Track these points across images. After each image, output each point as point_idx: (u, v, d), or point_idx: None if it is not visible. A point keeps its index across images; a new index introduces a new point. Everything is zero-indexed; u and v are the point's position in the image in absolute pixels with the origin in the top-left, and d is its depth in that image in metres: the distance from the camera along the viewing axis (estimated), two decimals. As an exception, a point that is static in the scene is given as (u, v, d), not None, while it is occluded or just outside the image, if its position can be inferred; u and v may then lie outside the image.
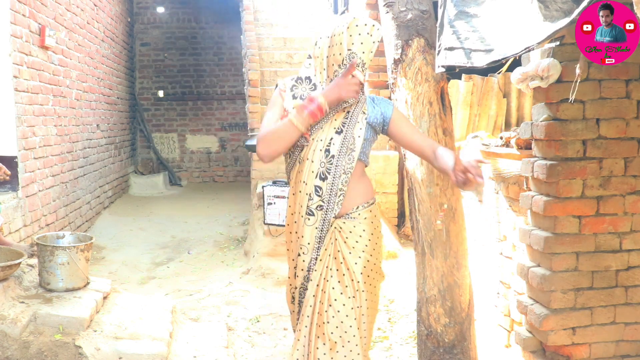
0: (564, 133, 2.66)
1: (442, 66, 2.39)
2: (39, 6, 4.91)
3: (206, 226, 7.00)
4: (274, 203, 4.94)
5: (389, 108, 2.22)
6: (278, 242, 5.04)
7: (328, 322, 2.11)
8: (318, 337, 2.11)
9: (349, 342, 2.11)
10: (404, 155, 2.83)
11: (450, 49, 2.31)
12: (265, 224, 5.06)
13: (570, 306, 2.74)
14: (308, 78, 2.18)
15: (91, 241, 3.38)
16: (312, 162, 2.14)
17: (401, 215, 5.94)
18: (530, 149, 2.96)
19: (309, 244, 2.19)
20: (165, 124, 10.42)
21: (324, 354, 2.09)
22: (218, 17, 10.27)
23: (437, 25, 2.43)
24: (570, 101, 2.48)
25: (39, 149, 4.91)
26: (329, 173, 2.13)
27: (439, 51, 2.40)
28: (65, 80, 5.72)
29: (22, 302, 3.00)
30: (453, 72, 2.46)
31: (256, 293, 4.48)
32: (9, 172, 3.53)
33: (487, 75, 4.78)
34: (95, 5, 7.16)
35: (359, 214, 2.19)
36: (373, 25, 2.09)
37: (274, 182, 5.08)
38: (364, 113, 2.17)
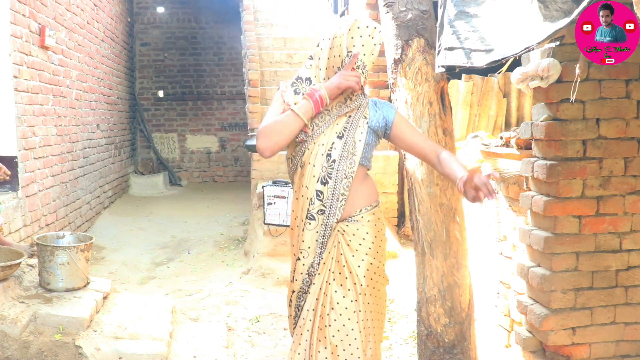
0: (564, 133, 2.66)
1: (442, 66, 2.39)
2: (39, 6, 4.91)
3: (206, 226, 7.00)
4: (274, 203, 4.94)
5: (391, 112, 2.21)
6: (278, 242, 5.04)
7: (330, 326, 2.10)
8: (319, 340, 2.11)
9: (350, 345, 2.10)
10: (404, 155, 2.83)
11: (450, 49, 2.31)
12: (265, 224, 5.06)
13: (570, 306, 2.74)
14: (308, 79, 2.17)
15: (91, 241, 3.38)
16: (314, 166, 2.13)
17: (401, 215, 5.94)
18: (530, 149, 2.96)
19: (309, 247, 2.18)
20: (165, 124, 10.42)
21: (325, 358, 2.09)
22: (218, 17, 10.27)
23: (437, 25, 2.43)
24: (571, 101, 2.48)
25: (39, 149, 4.91)
26: (330, 177, 2.12)
27: (439, 51, 2.40)
28: (65, 80, 5.72)
29: (22, 302, 3.01)
30: (453, 72, 2.46)
31: (256, 293, 4.48)
32: (9, 172, 3.53)
33: (487, 75, 4.78)
34: (95, 5, 7.16)
35: (362, 217, 2.18)
36: (375, 28, 2.09)
37: (274, 182, 5.09)
38: (366, 117, 2.16)
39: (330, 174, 2.12)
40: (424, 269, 2.75)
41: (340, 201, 2.14)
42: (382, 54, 2.59)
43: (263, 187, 5.06)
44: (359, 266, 2.14)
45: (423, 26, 2.68)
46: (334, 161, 2.12)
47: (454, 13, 2.31)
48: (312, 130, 2.13)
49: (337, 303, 2.11)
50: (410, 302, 3.87)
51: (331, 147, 2.12)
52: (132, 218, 7.34)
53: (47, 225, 5.06)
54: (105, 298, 3.41)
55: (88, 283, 3.35)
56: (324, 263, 2.14)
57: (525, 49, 1.93)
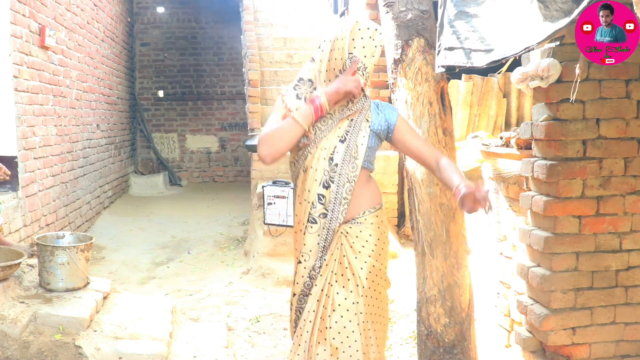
0: (564, 133, 2.66)
1: (442, 66, 2.39)
2: (39, 6, 4.91)
3: (206, 226, 7.00)
4: (274, 203, 4.94)
5: (393, 115, 2.20)
6: (278, 242, 5.04)
7: (330, 328, 2.10)
8: (319, 342, 2.11)
9: (349, 347, 2.10)
10: (404, 156, 2.83)
11: (450, 49, 2.31)
12: (265, 224, 5.06)
13: (570, 306, 2.74)
14: (310, 80, 2.16)
15: (91, 241, 3.38)
16: (316, 170, 2.13)
17: (401, 215, 5.94)
18: (530, 149, 2.96)
19: (310, 251, 2.18)
20: (165, 124, 10.42)
21: (330, 355, 2.09)
22: (218, 17, 10.27)
23: (437, 25, 2.43)
24: (571, 101, 2.48)
25: (39, 149, 4.91)
26: (332, 181, 2.12)
27: (438, 51, 2.40)
28: (65, 80, 5.72)
29: (22, 302, 3.00)
30: (453, 72, 2.46)
31: (256, 293, 4.48)
32: (9, 172, 3.53)
33: (487, 75, 4.78)
34: (95, 5, 7.16)
35: (366, 219, 2.18)
36: (375, 30, 2.09)
37: (274, 182, 5.09)
38: (368, 121, 2.15)
39: (333, 178, 2.12)
40: (424, 269, 2.75)
41: (343, 205, 2.13)
42: (382, 53, 2.59)
43: (263, 187, 5.06)
44: (361, 268, 2.13)
45: (423, 26, 2.68)
46: (336, 165, 2.12)
47: (454, 13, 2.31)
48: (315, 134, 2.13)
49: (339, 305, 2.11)
50: (410, 302, 3.87)
51: (333, 151, 2.12)
52: (132, 218, 7.34)
53: (47, 225, 5.06)
54: (105, 298, 3.41)
55: (88, 283, 3.35)
56: (326, 265, 2.14)
57: (525, 49, 1.93)
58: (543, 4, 1.85)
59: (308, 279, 2.19)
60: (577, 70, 2.31)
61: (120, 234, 6.56)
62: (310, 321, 2.14)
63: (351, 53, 2.07)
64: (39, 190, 4.88)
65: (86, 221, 6.50)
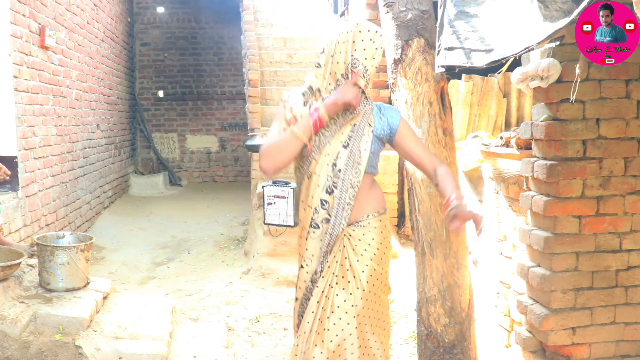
0: (564, 133, 2.66)
1: (442, 66, 2.39)
2: (39, 6, 4.91)
3: (206, 226, 7.00)
4: (274, 203, 4.93)
5: (395, 118, 2.19)
6: (278, 242, 5.04)
7: (328, 330, 2.09)
8: (316, 344, 2.10)
9: (345, 350, 2.09)
10: (404, 156, 2.83)
11: (450, 49, 2.31)
12: (265, 224, 5.05)
13: (570, 306, 2.74)
14: (318, 90, 2.15)
15: (91, 241, 3.38)
16: (319, 176, 2.13)
17: (401, 215, 5.94)
18: (530, 149, 2.96)
19: (312, 256, 2.18)
20: (165, 124, 10.42)
21: (327, 358, 2.09)
22: (218, 17, 10.27)
23: (437, 25, 2.43)
24: (571, 101, 2.48)
25: (39, 149, 4.91)
26: (335, 187, 2.12)
27: (438, 51, 2.40)
28: (65, 80, 5.72)
29: (22, 302, 3.01)
30: (453, 72, 2.46)
31: (256, 293, 4.48)
32: (9, 172, 3.53)
33: (487, 75, 4.79)
34: (95, 5, 7.16)
35: (369, 223, 2.17)
36: (376, 32, 2.08)
37: (274, 182, 5.08)
38: (370, 125, 2.15)
39: (336, 184, 2.12)
40: (424, 269, 2.75)
41: (346, 210, 2.13)
42: (382, 53, 2.59)
43: (263, 187, 5.06)
44: (362, 271, 2.13)
45: (423, 26, 2.68)
46: (339, 170, 2.12)
47: (454, 13, 2.31)
48: (319, 140, 2.13)
49: (338, 306, 2.11)
50: (410, 302, 3.87)
51: (337, 157, 2.12)
52: (132, 218, 7.34)
53: (47, 225, 5.06)
54: (105, 298, 3.41)
55: (88, 283, 3.35)
56: (328, 267, 2.14)
57: (525, 49, 1.93)
58: (543, 4, 1.85)
59: (310, 283, 2.19)
60: (577, 70, 2.31)
61: (120, 234, 6.56)
62: (308, 322, 2.14)
63: (352, 56, 2.07)
64: (39, 190, 4.88)
65: (86, 221, 6.50)
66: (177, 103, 10.40)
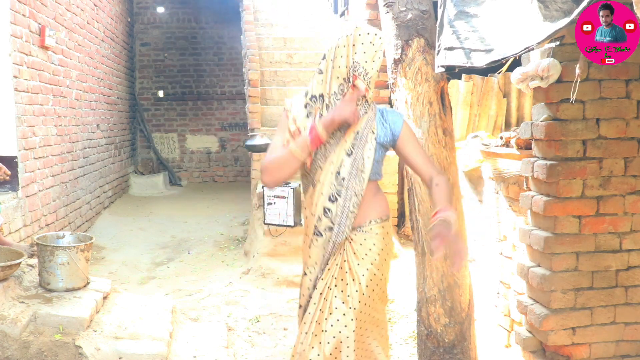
0: (564, 133, 2.66)
1: (442, 66, 2.39)
2: (39, 6, 4.91)
3: (206, 226, 7.00)
4: (274, 203, 4.94)
5: (398, 124, 2.17)
6: (278, 242, 5.04)
7: (325, 331, 2.09)
8: (313, 347, 2.10)
9: (340, 352, 2.09)
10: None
11: (450, 48, 2.31)
12: (265, 224, 5.06)
13: (570, 306, 2.74)
14: (321, 96, 2.14)
15: (91, 241, 3.38)
16: (323, 184, 2.13)
17: (401, 215, 5.94)
18: (530, 149, 2.96)
19: (315, 263, 2.19)
20: (165, 124, 10.42)
21: None
22: (218, 17, 10.27)
23: (437, 25, 2.43)
24: (572, 101, 2.48)
25: (39, 149, 4.91)
26: (339, 195, 2.12)
27: (438, 51, 2.40)
28: (65, 80, 5.72)
29: (22, 302, 3.00)
30: (453, 72, 2.46)
31: (256, 293, 4.49)
32: (9, 172, 3.53)
33: (487, 75, 4.78)
34: (95, 5, 7.16)
35: (371, 229, 2.17)
36: (375, 34, 2.08)
37: (274, 182, 5.08)
38: (373, 132, 2.13)
39: (340, 192, 2.12)
40: (424, 269, 2.75)
41: (349, 218, 2.13)
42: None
43: (263, 187, 5.06)
44: (362, 275, 2.13)
45: (423, 26, 2.68)
46: (343, 179, 2.11)
47: (454, 13, 2.31)
48: (325, 148, 2.13)
49: (336, 308, 2.10)
50: (410, 302, 3.87)
51: (340, 165, 2.11)
52: (132, 218, 7.34)
53: (47, 225, 5.06)
54: (105, 298, 3.41)
55: (88, 283, 3.35)
56: (328, 269, 2.15)
57: (525, 49, 1.93)
58: (543, 4, 1.85)
59: (313, 290, 2.19)
60: (577, 70, 2.31)
61: (120, 234, 6.56)
62: (305, 323, 2.14)
63: (353, 59, 2.07)
64: (39, 190, 4.88)
65: (86, 221, 6.50)
66: (177, 103, 10.40)
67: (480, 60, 2.17)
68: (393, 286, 4.32)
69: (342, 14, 7.70)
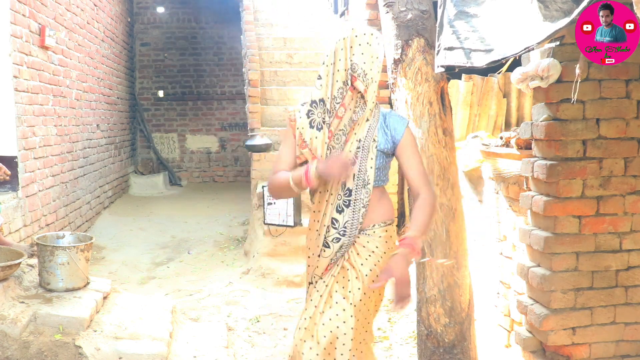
0: (564, 133, 2.66)
1: (442, 66, 2.39)
2: (39, 6, 4.91)
3: (206, 226, 7.00)
4: (274, 203, 4.94)
5: (399, 132, 2.14)
6: (278, 242, 5.04)
7: (323, 324, 2.08)
8: (305, 340, 2.09)
9: (336, 349, 2.07)
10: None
11: (450, 48, 2.31)
12: (265, 224, 5.06)
13: (570, 306, 2.74)
14: (322, 101, 2.12)
15: (91, 241, 3.38)
16: (331, 194, 2.13)
17: (401, 215, 5.93)
18: (530, 149, 2.96)
19: (322, 273, 2.18)
20: (165, 124, 10.42)
21: (316, 354, 2.08)
22: (218, 17, 10.27)
23: (437, 25, 2.43)
24: (572, 102, 2.48)
25: (39, 149, 4.91)
26: (346, 206, 2.11)
27: (438, 51, 2.40)
28: (65, 80, 5.72)
29: (22, 302, 3.00)
30: (453, 72, 2.46)
31: (256, 293, 4.49)
32: (9, 172, 3.54)
33: (487, 75, 4.78)
34: (95, 5, 7.16)
35: (374, 232, 2.16)
36: (372, 34, 2.07)
37: (274, 182, 5.08)
38: (375, 141, 2.12)
39: (346, 203, 2.11)
40: (424, 269, 2.75)
41: (356, 228, 2.13)
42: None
43: (263, 187, 5.06)
44: (366, 275, 2.12)
45: (423, 26, 2.68)
46: (349, 190, 2.11)
47: (454, 13, 2.31)
48: (330, 153, 2.12)
49: (336, 302, 2.09)
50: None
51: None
52: (132, 218, 7.34)
53: (47, 225, 5.06)
54: (105, 298, 3.41)
55: (88, 283, 3.35)
56: (329, 269, 2.15)
57: (525, 49, 1.93)
58: (543, 4, 1.85)
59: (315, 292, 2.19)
60: (577, 70, 2.31)
61: (120, 234, 6.56)
62: (303, 318, 2.15)
63: (351, 60, 2.06)
64: (39, 190, 4.88)
65: (86, 221, 6.50)
66: (177, 103, 10.40)
67: (480, 60, 2.17)
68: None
69: (342, 14, 7.70)
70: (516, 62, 2.79)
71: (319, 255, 2.18)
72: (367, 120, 2.11)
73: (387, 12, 2.73)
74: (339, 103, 2.10)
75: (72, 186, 5.96)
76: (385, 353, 3.38)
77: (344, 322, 2.08)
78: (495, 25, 2.15)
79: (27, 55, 4.60)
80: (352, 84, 2.07)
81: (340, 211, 2.12)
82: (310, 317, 2.11)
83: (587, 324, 2.76)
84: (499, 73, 3.81)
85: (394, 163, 2.25)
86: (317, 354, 2.06)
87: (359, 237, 2.15)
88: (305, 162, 2.14)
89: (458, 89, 4.90)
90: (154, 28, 10.27)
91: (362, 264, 2.12)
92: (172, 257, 5.73)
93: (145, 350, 2.98)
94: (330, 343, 2.06)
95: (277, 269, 4.82)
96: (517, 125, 4.71)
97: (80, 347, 2.83)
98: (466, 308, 2.74)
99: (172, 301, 4.06)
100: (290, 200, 4.81)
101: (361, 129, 2.11)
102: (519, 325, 3.08)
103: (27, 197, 4.55)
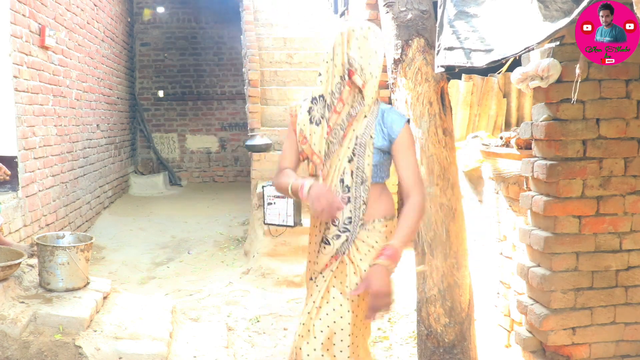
0: (564, 133, 2.66)
1: (442, 66, 2.39)
2: (39, 6, 4.91)
3: (206, 226, 7.00)
4: (274, 203, 4.94)
5: (395, 131, 2.11)
6: (278, 242, 5.04)
7: (320, 319, 2.07)
8: (302, 335, 2.08)
9: (334, 345, 2.06)
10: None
11: (450, 48, 2.31)
12: (265, 224, 5.06)
13: (570, 306, 2.74)
14: (322, 97, 2.13)
15: (91, 241, 3.38)
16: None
17: (401, 215, 5.93)
18: (530, 149, 2.96)
19: (322, 269, 2.18)
20: (165, 124, 10.42)
21: (314, 350, 2.08)
22: (218, 17, 10.27)
23: (437, 25, 2.43)
24: (572, 102, 2.48)
25: (39, 149, 4.91)
26: (346, 203, 2.11)
27: (438, 51, 2.40)
28: (65, 80, 5.72)
29: (22, 302, 3.00)
30: (453, 72, 2.46)
31: (256, 293, 4.49)
32: (9, 172, 3.54)
33: (487, 75, 4.78)
34: (95, 5, 7.16)
35: (374, 227, 2.15)
36: (369, 28, 2.06)
37: (274, 182, 5.08)
38: (372, 137, 2.10)
39: (344, 199, 2.10)
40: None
41: (357, 226, 2.12)
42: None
43: (263, 187, 5.06)
44: (364, 270, 2.12)
45: (423, 26, 2.68)
46: (347, 187, 2.10)
47: (454, 13, 2.31)
48: (328, 148, 2.12)
49: (333, 297, 2.08)
50: (410, 302, 3.87)
51: (343, 173, 2.11)
52: (132, 218, 7.34)
53: (47, 225, 5.06)
54: (105, 298, 3.41)
55: (88, 283, 3.35)
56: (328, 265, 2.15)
57: (525, 49, 1.93)
58: (543, 4, 1.85)
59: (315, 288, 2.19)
60: (577, 70, 2.31)
61: (120, 234, 6.56)
62: (302, 315, 2.15)
63: (348, 54, 2.06)
64: (39, 190, 4.88)
65: (86, 221, 6.50)
66: (177, 103, 10.40)
67: (480, 60, 2.17)
68: (393, 286, 4.32)
69: (342, 14, 7.70)
70: (516, 62, 2.79)
71: (319, 252, 2.18)
72: (365, 116, 2.10)
73: (387, 12, 2.73)
74: (337, 98, 2.10)
75: (72, 186, 5.96)
76: (385, 353, 3.38)
77: (341, 317, 2.07)
78: (495, 25, 2.15)
79: (27, 55, 4.60)
80: (349, 78, 2.06)
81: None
82: (308, 313, 2.11)
83: (587, 324, 2.76)
84: (499, 73, 3.81)
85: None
86: (315, 349, 2.05)
87: (359, 232, 2.14)
88: (307, 158, 2.17)
89: (458, 89, 4.90)
90: (154, 28, 10.27)
91: (360, 259, 2.11)
92: (172, 257, 5.73)
93: (145, 350, 2.98)
94: (328, 338, 2.05)
95: (277, 269, 4.82)
96: (517, 125, 4.71)
97: (80, 347, 2.83)
98: (466, 308, 2.74)
99: (172, 301, 4.06)
100: (290, 200, 4.81)
101: (359, 125, 2.10)
102: (519, 325, 3.08)
103: (27, 197, 4.55)
